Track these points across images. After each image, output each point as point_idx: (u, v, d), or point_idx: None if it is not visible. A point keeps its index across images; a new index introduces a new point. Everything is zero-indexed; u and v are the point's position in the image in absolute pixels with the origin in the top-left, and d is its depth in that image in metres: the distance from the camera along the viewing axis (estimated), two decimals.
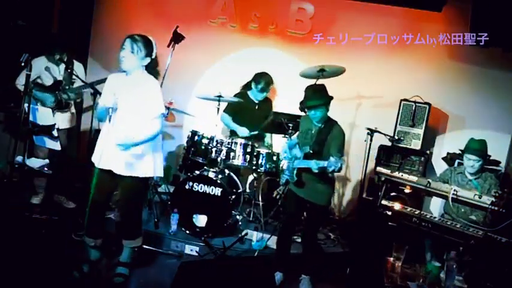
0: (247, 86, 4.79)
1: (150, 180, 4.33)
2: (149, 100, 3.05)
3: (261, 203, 4.40)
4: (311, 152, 3.25)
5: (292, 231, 3.62)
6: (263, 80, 4.65)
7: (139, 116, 3.03)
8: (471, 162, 3.59)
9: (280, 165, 3.74)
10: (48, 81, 4.10)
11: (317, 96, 3.28)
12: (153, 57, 3.09)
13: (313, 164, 3.05)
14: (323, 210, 3.51)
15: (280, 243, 3.54)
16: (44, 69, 4.09)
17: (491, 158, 4.20)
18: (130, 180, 3.08)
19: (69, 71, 4.07)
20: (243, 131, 4.56)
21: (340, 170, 2.96)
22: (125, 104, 3.01)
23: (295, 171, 3.34)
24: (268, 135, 4.87)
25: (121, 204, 3.28)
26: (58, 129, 3.93)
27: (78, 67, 4.24)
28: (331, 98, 3.32)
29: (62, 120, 4.19)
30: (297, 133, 3.64)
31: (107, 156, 3.03)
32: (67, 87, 4.11)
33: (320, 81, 4.35)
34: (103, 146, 3.05)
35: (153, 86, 3.09)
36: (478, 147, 3.60)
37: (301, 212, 3.61)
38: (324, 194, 3.38)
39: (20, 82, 4.02)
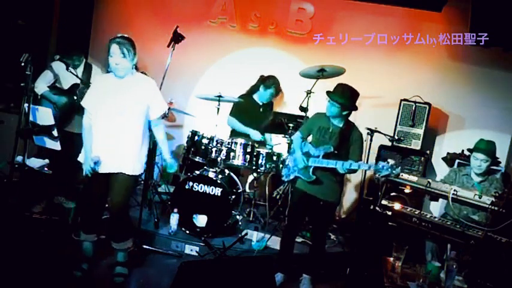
0: (253, 88, 4.79)
1: (150, 180, 4.34)
2: (149, 100, 3.08)
3: (262, 203, 4.41)
4: (335, 152, 3.27)
5: (298, 231, 3.61)
6: (275, 86, 4.69)
7: (132, 116, 3.04)
8: (478, 162, 3.55)
9: (286, 161, 3.69)
10: (66, 85, 4.13)
11: (343, 95, 3.25)
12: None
13: (340, 165, 3.14)
14: (334, 207, 3.54)
15: (285, 243, 3.52)
16: (62, 73, 4.12)
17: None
18: (123, 177, 3.08)
19: (76, 75, 4.05)
20: (256, 135, 4.57)
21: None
22: (116, 106, 2.99)
23: (311, 170, 3.33)
24: (269, 136, 4.86)
25: (114, 203, 3.16)
26: (75, 134, 3.94)
27: (96, 71, 4.25)
28: (354, 107, 3.31)
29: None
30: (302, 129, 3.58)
31: (104, 160, 3.03)
32: (85, 91, 4.11)
33: (320, 81, 4.35)
34: (97, 151, 3.03)
35: (152, 86, 3.12)
36: (486, 147, 3.56)
37: (307, 212, 3.61)
38: (337, 192, 3.42)
39: (38, 85, 4.04)
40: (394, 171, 3.06)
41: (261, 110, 4.76)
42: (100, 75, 3.19)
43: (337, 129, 3.35)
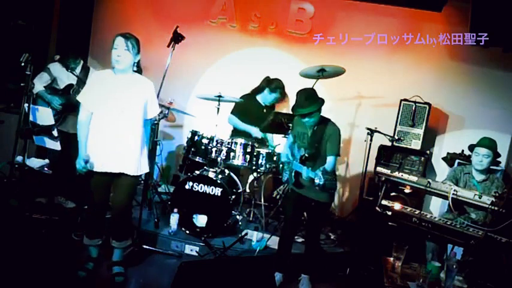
0: (258, 89, 4.79)
1: (150, 180, 4.34)
2: (147, 101, 3.09)
3: (262, 203, 4.41)
4: (306, 156, 3.27)
5: (295, 231, 3.62)
6: (280, 90, 4.72)
7: (132, 115, 3.04)
8: (480, 158, 3.54)
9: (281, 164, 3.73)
10: (62, 86, 4.12)
11: (310, 103, 3.22)
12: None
13: (304, 172, 3.13)
14: (326, 208, 3.53)
15: (283, 244, 3.51)
16: (60, 75, 4.11)
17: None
18: (126, 178, 3.09)
19: (77, 76, 4.04)
20: (257, 132, 4.58)
21: (332, 185, 3.15)
22: (116, 104, 2.99)
23: (293, 173, 3.35)
24: (270, 136, 4.85)
25: (117, 203, 3.20)
26: (69, 134, 3.94)
27: (92, 73, 4.25)
28: (323, 101, 3.29)
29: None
30: (291, 131, 3.59)
31: (104, 159, 3.03)
32: (80, 90, 4.10)
33: (320, 81, 4.36)
34: (96, 149, 3.02)
35: (151, 87, 3.13)
36: (488, 143, 3.57)
37: (303, 212, 3.61)
38: (328, 192, 3.39)
39: (35, 84, 4.01)
40: (320, 181, 3.00)
41: (264, 111, 4.76)
42: (97, 71, 3.17)
43: (311, 132, 3.35)
